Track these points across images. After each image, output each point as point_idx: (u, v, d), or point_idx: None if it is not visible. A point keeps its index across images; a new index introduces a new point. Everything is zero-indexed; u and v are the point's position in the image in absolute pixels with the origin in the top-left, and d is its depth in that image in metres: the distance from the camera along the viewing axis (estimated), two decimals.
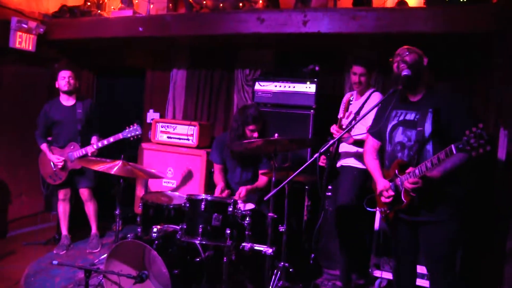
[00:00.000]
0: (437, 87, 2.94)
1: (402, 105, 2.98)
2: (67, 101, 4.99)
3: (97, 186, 5.14)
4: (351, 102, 4.11)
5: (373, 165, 3.19)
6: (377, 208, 3.19)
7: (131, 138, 4.66)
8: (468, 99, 2.90)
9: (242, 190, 4.05)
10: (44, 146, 4.91)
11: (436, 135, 2.77)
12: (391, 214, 3.01)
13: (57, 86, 4.99)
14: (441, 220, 2.84)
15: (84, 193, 5.04)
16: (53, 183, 4.97)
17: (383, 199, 2.99)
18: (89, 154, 4.74)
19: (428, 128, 2.80)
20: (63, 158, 4.83)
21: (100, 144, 4.75)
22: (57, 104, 4.99)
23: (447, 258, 2.93)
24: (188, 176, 5.26)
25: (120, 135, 4.65)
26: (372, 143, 3.26)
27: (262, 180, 4.25)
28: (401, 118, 2.97)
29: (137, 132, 4.63)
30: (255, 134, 4.15)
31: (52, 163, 4.89)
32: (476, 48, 4.38)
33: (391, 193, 2.93)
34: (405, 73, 2.85)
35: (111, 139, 4.70)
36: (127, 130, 4.64)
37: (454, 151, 2.49)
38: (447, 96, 2.88)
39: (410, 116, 2.92)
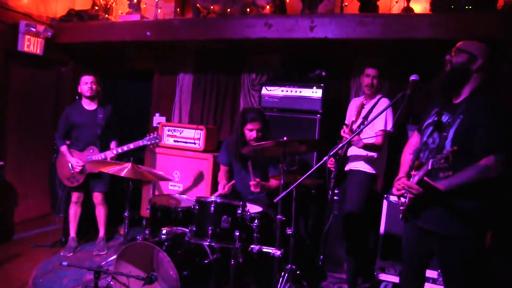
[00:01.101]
0: (485, 92, 2.70)
1: (445, 104, 2.84)
2: (89, 105, 5.05)
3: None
4: (364, 106, 4.14)
5: (404, 159, 3.09)
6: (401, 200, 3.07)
7: (151, 146, 4.73)
8: (504, 112, 2.62)
9: (254, 181, 4.09)
10: (64, 148, 4.95)
11: (455, 143, 2.60)
12: (402, 211, 2.97)
13: (79, 90, 5.05)
14: (450, 235, 2.70)
15: (98, 197, 5.09)
16: (71, 185, 5.01)
17: (394, 190, 2.93)
18: (108, 159, 4.78)
19: (451, 134, 2.66)
20: (82, 163, 4.88)
21: (120, 150, 4.81)
22: (79, 108, 5.04)
23: (459, 274, 2.79)
24: (195, 180, 5.30)
25: (140, 142, 4.72)
26: (415, 139, 3.12)
27: (273, 182, 4.28)
28: (437, 118, 2.83)
29: (157, 140, 4.71)
30: (254, 134, 4.17)
31: (70, 165, 4.93)
32: None
33: (401, 186, 2.85)
34: (412, 77, 2.79)
35: (131, 146, 4.75)
36: (147, 138, 4.70)
37: (429, 167, 2.47)
38: (484, 104, 2.65)
39: (444, 118, 2.77)
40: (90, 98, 5.02)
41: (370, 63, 4.18)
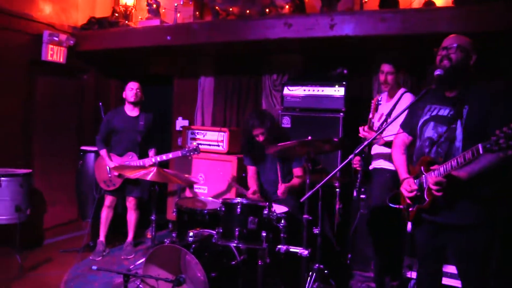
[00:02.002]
0: (478, 82, 2.80)
1: (437, 100, 2.88)
2: (132, 111, 5.12)
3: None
4: (380, 103, 4.10)
5: (399, 160, 3.12)
6: (400, 205, 3.11)
7: (189, 157, 4.79)
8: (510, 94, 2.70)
9: (281, 187, 4.14)
10: (103, 152, 5.02)
11: (468, 133, 2.64)
12: (413, 212, 2.93)
13: (124, 96, 5.14)
14: (468, 224, 2.72)
15: (131, 201, 5.16)
16: (107, 188, 5.08)
17: (405, 193, 2.91)
18: (146, 166, 4.82)
19: (460, 125, 2.68)
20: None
21: (158, 159, 4.86)
22: (122, 113, 5.12)
23: (478, 265, 2.80)
24: (219, 182, 5.31)
25: (179, 153, 4.77)
26: (403, 138, 3.17)
27: (296, 179, 4.28)
28: (434, 113, 2.86)
29: (196, 152, 4.75)
30: (261, 138, 4.32)
31: (108, 169, 5.00)
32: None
33: (414, 187, 2.85)
34: (437, 72, 2.75)
35: (170, 155, 4.81)
36: (186, 149, 4.76)
37: (481, 151, 2.37)
38: (487, 91, 2.72)
39: (444, 112, 2.81)
40: (134, 104, 5.09)
41: (389, 59, 4.13)
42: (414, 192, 2.85)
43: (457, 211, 2.73)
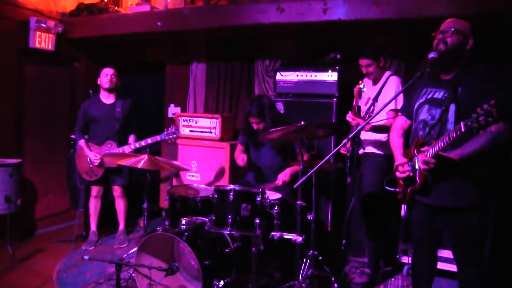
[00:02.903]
0: (474, 65, 2.78)
1: (433, 83, 2.89)
2: (107, 99, 5.04)
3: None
4: (363, 90, 4.08)
5: (396, 143, 3.13)
6: (396, 189, 3.11)
7: (169, 141, 4.71)
8: (504, 76, 2.69)
9: (286, 173, 4.14)
10: (82, 142, 4.96)
11: (461, 115, 2.64)
12: (407, 195, 2.95)
13: (98, 82, 5.05)
14: (463, 207, 2.74)
15: (117, 190, 5.11)
16: (89, 179, 5.03)
17: (398, 174, 2.94)
18: (126, 154, 4.77)
19: (452, 107, 2.71)
20: (100, 156, 4.88)
21: (137, 145, 4.78)
22: (97, 101, 5.04)
23: (474, 248, 2.82)
24: (212, 169, 5.27)
25: (158, 137, 4.67)
26: (401, 121, 3.18)
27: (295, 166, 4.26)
28: (430, 96, 2.88)
29: (174, 135, 4.65)
30: (255, 126, 4.29)
31: (89, 159, 4.94)
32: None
33: (407, 168, 2.88)
34: (431, 55, 2.75)
35: (149, 141, 4.71)
36: (165, 133, 4.65)
37: (463, 129, 2.39)
38: (481, 73, 2.72)
39: (439, 95, 2.83)
40: (109, 90, 5.01)
41: (360, 54, 4.13)
42: (406, 173, 2.88)
43: (451, 194, 2.74)
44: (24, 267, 4.45)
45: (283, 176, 4.14)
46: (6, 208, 4.57)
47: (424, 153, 2.71)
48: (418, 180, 2.82)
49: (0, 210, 4.58)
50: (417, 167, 2.81)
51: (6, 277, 4.19)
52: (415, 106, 2.97)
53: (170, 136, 4.65)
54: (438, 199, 2.80)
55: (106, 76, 4.98)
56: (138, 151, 4.76)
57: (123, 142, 4.98)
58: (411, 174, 2.86)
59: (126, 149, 4.83)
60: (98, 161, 4.87)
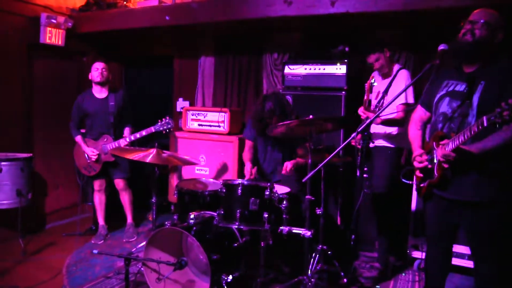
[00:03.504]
0: (499, 59, 2.71)
1: (455, 75, 2.83)
2: (100, 93, 5.04)
3: (131, 176, 5.19)
4: (374, 84, 4.06)
5: (414, 135, 3.09)
6: (412, 182, 3.10)
7: (163, 132, 4.69)
8: None
9: (287, 165, 4.09)
10: (78, 138, 4.97)
11: (482, 109, 2.59)
12: (424, 188, 2.92)
13: (90, 77, 5.05)
14: (482, 201, 2.68)
15: (119, 183, 5.10)
16: (88, 174, 5.06)
17: (416, 164, 2.91)
18: (122, 147, 4.78)
19: (475, 100, 2.65)
20: (97, 152, 4.90)
21: (132, 137, 4.79)
22: (90, 96, 5.04)
23: (492, 244, 2.76)
24: (221, 163, 5.27)
25: (152, 129, 4.68)
26: (420, 113, 3.12)
27: (300, 158, 4.23)
28: (451, 88, 2.82)
29: (169, 126, 4.64)
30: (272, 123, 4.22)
31: (86, 155, 4.95)
32: None
33: (425, 157, 2.85)
34: (441, 47, 2.72)
35: (143, 133, 4.73)
36: (159, 124, 4.66)
37: (485, 123, 2.34)
38: (506, 68, 2.65)
39: (460, 87, 2.76)
40: (101, 84, 5.01)
41: (367, 51, 4.11)
42: (424, 163, 2.84)
43: (470, 188, 2.70)
44: (35, 260, 4.49)
45: (289, 165, 4.12)
46: (18, 202, 4.62)
47: (443, 146, 2.67)
48: (436, 174, 2.78)
49: (12, 204, 4.62)
50: (435, 160, 2.78)
51: (18, 269, 4.24)
52: (436, 98, 2.91)
53: (165, 127, 4.65)
54: (457, 193, 2.75)
55: (96, 70, 4.97)
56: (133, 144, 4.80)
57: (119, 135, 4.99)
58: (429, 166, 2.83)
59: (122, 142, 4.84)
60: (96, 157, 4.89)
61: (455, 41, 2.75)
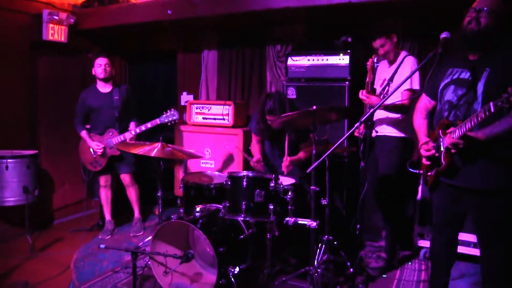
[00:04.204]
0: (503, 46, 2.70)
1: (460, 63, 2.82)
2: (104, 88, 5.05)
3: (137, 170, 5.21)
4: (377, 65, 4.03)
5: (419, 124, 3.08)
6: (419, 171, 3.09)
7: (169, 123, 4.69)
8: None
9: (285, 161, 4.08)
10: (83, 134, 4.99)
11: (487, 96, 2.59)
12: (431, 177, 2.92)
13: (93, 73, 5.05)
14: (491, 188, 2.68)
15: (125, 178, 5.12)
16: (94, 169, 5.07)
17: (423, 152, 2.90)
18: (128, 140, 4.80)
19: (480, 87, 2.64)
20: (103, 145, 4.91)
21: (138, 130, 4.79)
22: (94, 91, 5.05)
23: (500, 231, 2.77)
24: (226, 156, 5.28)
25: (158, 121, 4.68)
26: (425, 102, 3.11)
27: (301, 153, 4.22)
28: (455, 76, 2.81)
29: (174, 117, 4.64)
30: (274, 123, 4.19)
31: (91, 150, 4.98)
32: None
33: (431, 145, 2.84)
34: (443, 35, 2.72)
35: (149, 125, 4.73)
36: (164, 115, 4.66)
37: (492, 109, 2.34)
38: (509, 53, 2.65)
39: (465, 75, 2.75)
40: (104, 80, 5.02)
41: (372, 37, 4.02)
42: (432, 151, 2.84)
43: (479, 175, 2.70)
44: (43, 256, 4.53)
45: (286, 161, 4.12)
46: (24, 199, 4.66)
47: (450, 134, 2.67)
48: (443, 162, 2.78)
49: (19, 201, 4.67)
50: (442, 148, 2.78)
51: (27, 265, 4.27)
52: (440, 87, 2.90)
53: (170, 119, 4.64)
54: (466, 180, 2.75)
55: (100, 66, 4.98)
56: (139, 137, 4.81)
57: (124, 129, 4.99)
58: (436, 154, 2.83)
59: (127, 135, 4.84)
60: (101, 151, 4.90)
61: (460, 30, 2.73)
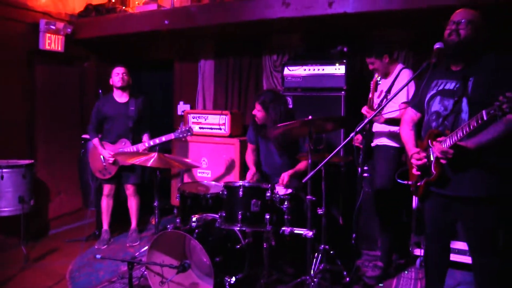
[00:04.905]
0: (485, 55, 2.76)
1: (444, 74, 2.88)
2: (121, 97, 5.06)
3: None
4: (379, 82, 4.08)
5: (407, 135, 3.11)
6: (408, 182, 3.10)
7: (183, 139, 4.72)
8: None
9: (284, 177, 4.05)
10: (96, 141, 4.98)
11: (474, 105, 2.63)
12: (421, 187, 2.94)
13: (111, 82, 5.07)
14: (480, 197, 2.71)
15: (130, 188, 5.12)
16: (102, 177, 5.05)
17: (414, 161, 2.90)
18: (141, 152, 4.79)
19: (466, 97, 2.69)
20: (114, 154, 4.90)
21: (151, 143, 4.80)
22: (111, 100, 5.06)
23: (490, 238, 2.80)
24: (222, 165, 5.28)
25: (172, 135, 4.71)
26: (411, 114, 3.16)
27: (301, 164, 4.22)
28: (441, 87, 2.86)
29: (188, 133, 4.70)
30: (257, 114, 4.26)
31: (102, 157, 4.97)
32: None
33: (423, 154, 2.85)
34: (437, 46, 2.76)
35: (163, 138, 4.75)
36: (179, 131, 4.70)
37: (485, 117, 2.36)
38: (493, 63, 2.71)
39: (450, 86, 2.80)
40: (122, 89, 5.03)
41: (366, 54, 4.10)
42: (424, 160, 2.85)
43: (469, 184, 2.72)
44: (38, 266, 4.50)
45: (286, 177, 4.10)
46: (20, 209, 4.63)
47: (441, 143, 2.69)
48: (433, 171, 2.79)
49: (14, 211, 4.63)
50: (432, 158, 2.80)
51: (21, 276, 4.23)
52: (426, 98, 2.95)
53: (184, 134, 4.69)
54: (456, 189, 2.77)
55: (117, 75, 5.00)
56: (152, 149, 4.79)
57: (136, 140, 5.00)
58: (427, 163, 2.84)
59: (140, 147, 4.85)
60: (113, 159, 4.89)
61: (442, 41, 2.79)
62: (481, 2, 3.73)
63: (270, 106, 4.17)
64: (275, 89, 5.26)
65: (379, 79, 4.07)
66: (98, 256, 3.35)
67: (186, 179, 5.52)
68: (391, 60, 4.10)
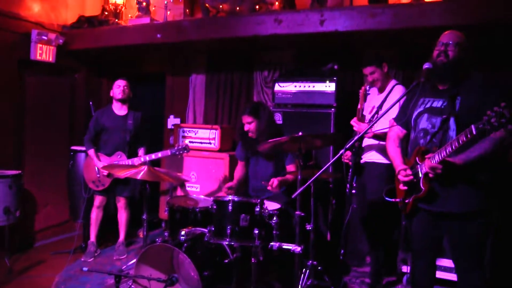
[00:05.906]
0: (471, 74, 2.85)
1: (430, 93, 2.94)
2: (120, 110, 5.07)
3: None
4: (368, 92, 4.11)
5: (394, 152, 3.15)
6: (396, 199, 3.13)
7: (179, 156, 4.75)
8: (502, 84, 2.78)
9: (274, 181, 4.05)
10: (91, 152, 4.95)
11: (462, 122, 2.69)
12: (409, 204, 2.96)
13: (111, 94, 5.09)
14: (467, 212, 2.75)
15: (121, 201, 5.11)
16: (96, 188, 5.02)
17: (401, 178, 2.94)
18: (136, 165, 4.77)
19: (453, 115, 2.75)
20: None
21: (147, 158, 4.80)
22: (109, 112, 5.07)
23: (476, 253, 2.84)
24: (211, 180, 5.28)
25: (169, 152, 4.73)
26: (396, 131, 3.22)
27: (289, 175, 4.24)
28: (428, 105, 2.93)
29: (185, 151, 4.73)
30: (246, 127, 4.30)
31: (97, 169, 4.95)
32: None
33: (409, 172, 2.89)
34: (426, 66, 2.81)
35: (159, 154, 4.78)
36: (176, 148, 4.72)
37: (474, 132, 2.42)
38: (479, 81, 2.79)
39: (437, 104, 2.87)
40: (122, 101, 5.04)
41: (363, 63, 4.13)
42: (410, 177, 2.89)
43: (456, 199, 2.76)
44: (22, 279, 4.44)
45: (275, 181, 4.12)
46: (5, 220, 4.57)
47: (429, 159, 2.73)
48: (422, 187, 2.82)
49: None
50: (420, 174, 2.83)
51: None
52: (414, 115, 3.00)
53: (181, 152, 4.72)
54: (444, 205, 2.81)
55: (119, 87, 5.01)
56: (144, 162, 4.79)
57: (132, 154, 5.01)
58: (415, 180, 2.88)
59: (136, 161, 4.85)
60: (107, 171, 4.87)
61: (430, 62, 2.85)
62: (463, 23, 3.83)
63: (260, 110, 4.23)
64: (261, 102, 5.29)
65: (367, 89, 4.10)
66: (84, 268, 3.33)
67: (179, 192, 5.50)
68: (388, 72, 4.14)
